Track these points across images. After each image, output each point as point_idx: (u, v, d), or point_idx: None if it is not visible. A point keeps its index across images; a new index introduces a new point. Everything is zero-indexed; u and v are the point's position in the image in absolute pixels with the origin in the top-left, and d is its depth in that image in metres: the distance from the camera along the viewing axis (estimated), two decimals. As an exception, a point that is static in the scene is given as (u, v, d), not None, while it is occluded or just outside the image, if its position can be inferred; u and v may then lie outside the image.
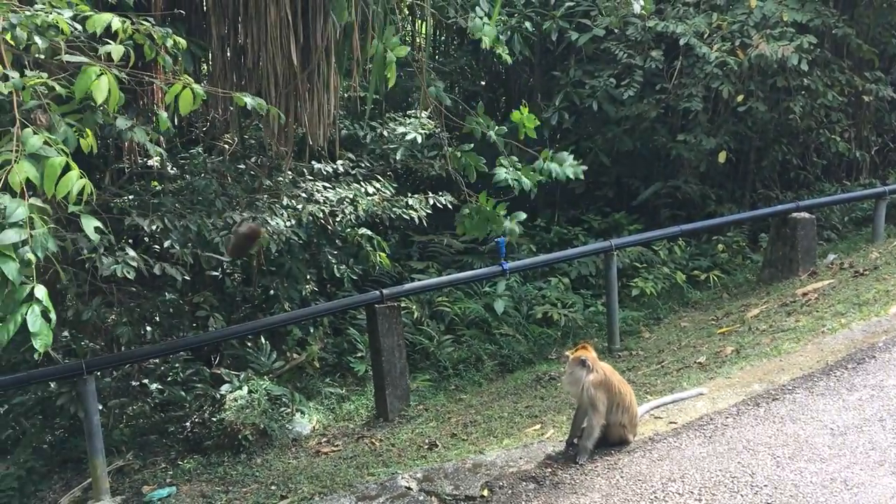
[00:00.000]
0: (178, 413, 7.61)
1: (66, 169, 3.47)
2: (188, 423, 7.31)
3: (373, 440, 6.78)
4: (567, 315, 9.56)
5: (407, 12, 12.83)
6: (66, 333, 7.33)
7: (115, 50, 3.92)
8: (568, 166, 6.55)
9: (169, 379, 7.83)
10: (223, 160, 8.71)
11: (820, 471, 4.22)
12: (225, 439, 6.95)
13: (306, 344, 8.72)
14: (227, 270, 8.47)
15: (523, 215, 7.00)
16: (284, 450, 6.91)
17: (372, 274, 9.70)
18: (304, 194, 8.56)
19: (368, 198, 8.88)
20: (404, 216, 9.06)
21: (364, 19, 6.40)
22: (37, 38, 3.96)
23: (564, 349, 5.81)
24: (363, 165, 9.61)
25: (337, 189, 8.82)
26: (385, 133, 9.79)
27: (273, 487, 6.01)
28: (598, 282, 10.56)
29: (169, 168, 8.22)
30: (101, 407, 6.72)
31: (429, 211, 9.21)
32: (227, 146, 9.12)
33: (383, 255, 9.03)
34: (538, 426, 6.19)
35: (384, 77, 6.35)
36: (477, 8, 6.78)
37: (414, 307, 9.39)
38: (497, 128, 6.87)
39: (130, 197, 7.53)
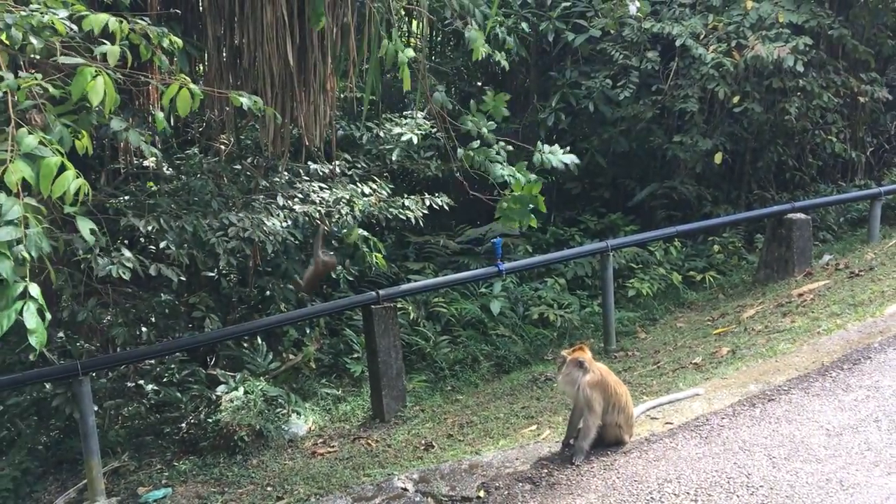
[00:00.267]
0: (174, 414, 7.59)
1: (62, 169, 3.47)
2: (184, 424, 7.29)
3: (369, 441, 6.77)
4: (563, 316, 9.56)
5: (403, 13, 12.85)
6: (61, 334, 7.31)
7: (111, 51, 3.91)
8: (561, 155, 6.64)
9: (164, 380, 7.81)
10: (219, 161, 8.69)
11: (816, 471, 4.23)
12: (221, 440, 6.93)
13: (302, 345, 8.71)
14: (223, 271, 8.46)
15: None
16: (280, 451, 6.90)
17: (368, 275, 9.69)
18: (300, 195, 8.55)
19: (364, 198, 8.87)
20: (400, 217, 9.05)
21: (361, 20, 6.40)
22: (32, 39, 3.95)
23: (561, 350, 5.82)
24: (359, 166, 9.61)
25: (333, 189, 8.81)
26: (381, 134, 9.78)
27: (269, 489, 6.00)
28: (595, 282, 10.56)
29: (165, 169, 8.20)
30: (96, 408, 6.70)
31: (425, 212, 9.20)
32: (223, 147, 9.11)
33: (379, 255, 9.03)
34: (534, 427, 6.19)
35: (380, 77, 6.35)
36: (472, 21, 6.76)
37: (410, 308, 9.39)
38: (488, 122, 6.89)
39: (126, 197, 7.52)
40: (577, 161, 7.00)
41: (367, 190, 9.03)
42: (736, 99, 11.23)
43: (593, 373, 4.77)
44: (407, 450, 6.38)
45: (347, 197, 8.76)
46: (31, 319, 3.29)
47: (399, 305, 8.67)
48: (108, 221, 6.82)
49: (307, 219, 8.33)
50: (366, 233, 9.01)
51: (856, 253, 9.95)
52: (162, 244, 7.19)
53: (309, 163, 9.01)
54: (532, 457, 4.90)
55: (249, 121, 8.59)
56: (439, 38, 13.53)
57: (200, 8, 7.15)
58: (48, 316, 3.35)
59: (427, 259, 10.95)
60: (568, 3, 12.12)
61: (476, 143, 7.13)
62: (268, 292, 8.65)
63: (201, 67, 7.82)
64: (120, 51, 4.00)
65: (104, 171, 7.88)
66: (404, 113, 10.24)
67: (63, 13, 4.11)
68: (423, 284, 8.40)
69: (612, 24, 11.51)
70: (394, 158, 9.49)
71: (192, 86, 4.15)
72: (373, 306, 7.26)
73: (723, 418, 5.06)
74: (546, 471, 4.66)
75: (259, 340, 8.38)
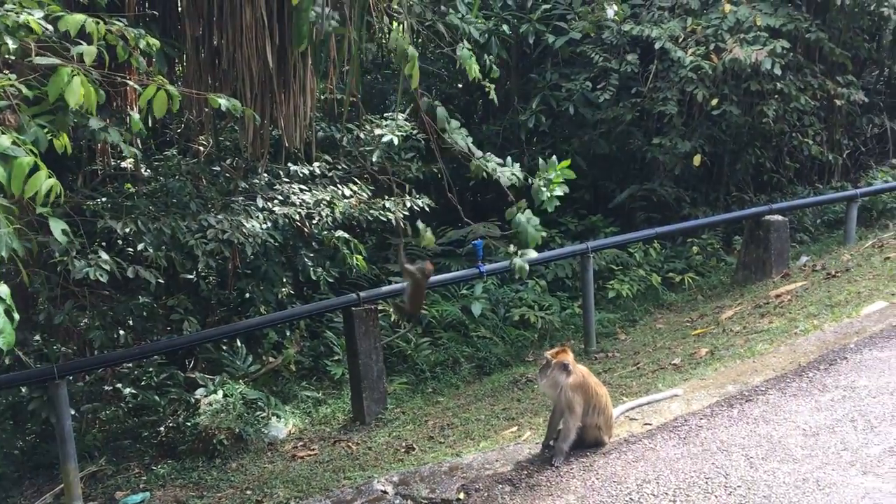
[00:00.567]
0: (152, 418, 7.53)
1: (35, 169, 3.42)
2: (162, 428, 7.24)
3: (349, 444, 6.75)
4: (544, 317, 9.58)
5: (385, 16, 12.82)
6: (37, 337, 7.24)
7: (88, 52, 3.87)
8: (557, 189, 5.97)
9: (143, 383, 7.75)
10: (198, 162, 8.65)
11: (793, 471, 4.26)
12: (199, 444, 6.89)
13: (282, 347, 8.67)
14: (202, 273, 8.41)
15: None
16: (260, 454, 6.86)
17: (349, 277, 9.67)
18: (280, 197, 8.51)
19: (345, 200, 8.85)
20: (381, 218, 9.04)
21: (341, 21, 6.38)
22: (7, 39, 3.90)
23: (542, 351, 5.83)
24: (340, 168, 9.58)
25: (313, 191, 8.79)
26: (362, 135, 9.76)
27: (248, 492, 5.96)
28: (575, 284, 10.60)
29: (143, 170, 8.15)
30: (73, 412, 6.64)
31: (405, 213, 9.19)
32: (201, 148, 9.06)
33: (360, 257, 9.01)
34: (515, 428, 6.20)
35: (360, 79, 6.32)
36: (464, 41, 6.70)
37: (391, 310, 9.37)
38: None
39: (103, 199, 7.46)
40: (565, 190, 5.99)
41: (347, 192, 9.01)
42: (714, 101, 11.32)
43: (575, 375, 4.78)
44: (387, 452, 6.36)
45: (328, 199, 8.74)
46: (-3, 320, 3.24)
47: (380, 307, 8.65)
48: (85, 223, 6.76)
49: (287, 220, 8.30)
50: (346, 234, 8.99)
51: (832, 254, 10.05)
52: (140, 246, 7.14)
53: (289, 164, 8.97)
54: (512, 458, 4.90)
55: (229, 122, 8.55)
56: (420, 41, 13.52)
57: (179, 8, 7.11)
58: (16, 317, 3.29)
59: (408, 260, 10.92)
60: (548, 6, 12.16)
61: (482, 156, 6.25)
62: (247, 294, 8.61)
63: (180, 68, 7.78)
64: (97, 51, 3.96)
65: (81, 173, 7.82)
66: (385, 115, 10.23)
67: (39, 13, 4.06)
68: (404, 286, 8.38)
69: (591, 27, 11.57)
70: (374, 159, 9.48)
71: (169, 87, 4.12)
72: (353, 308, 7.24)
73: (701, 419, 5.09)
74: (526, 472, 4.66)
75: (238, 343, 8.33)
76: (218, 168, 8.74)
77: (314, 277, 9.01)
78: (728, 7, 11.42)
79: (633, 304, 10.16)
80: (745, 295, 9.20)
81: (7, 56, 4.04)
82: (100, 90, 3.91)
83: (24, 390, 6.99)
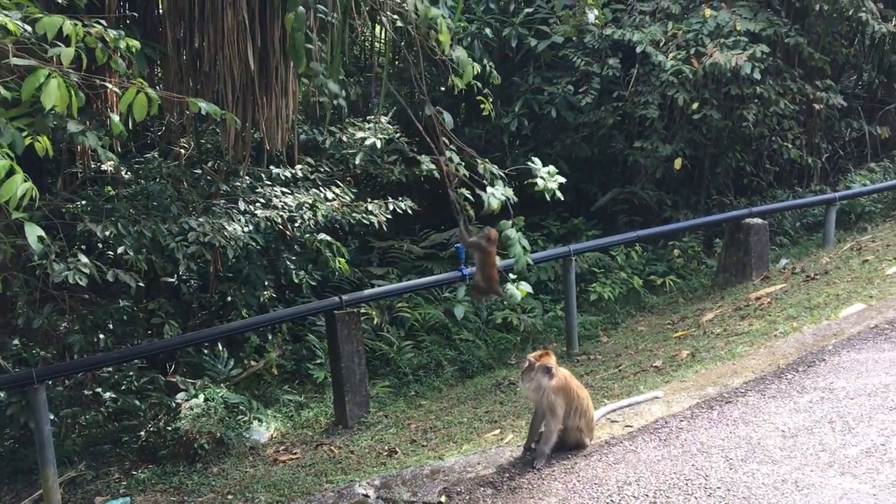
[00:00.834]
0: (133, 422, 7.48)
1: (11, 173, 3.39)
2: (142, 433, 7.18)
3: (332, 447, 6.73)
4: (526, 320, 9.61)
5: (367, 18, 12.81)
6: (16, 341, 7.18)
7: (65, 53, 3.84)
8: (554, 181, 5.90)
9: (123, 387, 7.69)
10: (179, 165, 8.60)
11: (772, 472, 4.29)
12: (180, 448, 6.85)
13: (264, 351, 8.64)
14: (183, 277, 8.36)
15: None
16: (241, 458, 6.83)
17: (331, 280, 9.64)
18: (262, 199, 8.49)
19: (328, 203, 8.83)
20: (364, 222, 9.03)
21: (322, 23, 6.38)
22: (-16, 40, 3.87)
23: (524, 354, 5.84)
24: (322, 170, 9.56)
25: (295, 194, 8.76)
26: (344, 138, 9.75)
27: (230, 497, 5.93)
28: (557, 287, 10.63)
29: (123, 173, 8.09)
30: (52, 416, 6.58)
31: (388, 216, 9.19)
32: (183, 151, 9.02)
33: (343, 260, 8.99)
34: (497, 431, 6.20)
35: (343, 82, 6.31)
36: (458, 48, 6.65)
37: (374, 313, 9.37)
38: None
39: (83, 202, 7.40)
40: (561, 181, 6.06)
41: (330, 195, 9.00)
42: (695, 105, 11.40)
43: (557, 377, 4.79)
44: (370, 456, 6.35)
45: (310, 202, 8.72)
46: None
47: (362, 311, 8.65)
48: (64, 226, 6.71)
49: (269, 223, 8.27)
50: (329, 238, 8.97)
51: (811, 257, 10.15)
52: (120, 249, 7.09)
53: (271, 167, 8.95)
54: (494, 461, 4.90)
55: (210, 125, 8.52)
56: (403, 43, 13.53)
57: (160, 10, 7.07)
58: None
59: (391, 264, 10.93)
60: (530, 10, 12.21)
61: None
62: (229, 298, 8.57)
63: (161, 70, 7.74)
64: (75, 53, 3.93)
65: (61, 176, 7.77)
66: (367, 117, 10.22)
67: (16, 14, 4.03)
68: (386, 289, 8.39)
69: (572, 31, 11.62)
70: (357, 162, 9.47)
71: (149, 90, 4.09)
72: (336, 312, 7.22)
73: (681, 421, 5.12)
74: (508, 475, 4.66)
75: (220, 347, 8.29)
76: (199, 171, 8.70)
77: (296, 280, 8.99)
78: (708, 12, 11.52)
79: (615, 306, 10.21)
80: (726, 297, 9.26)
81: (-16, 58, 4.01)
82: (80, 93, 3.88)
83: (2, 395, 6.91)
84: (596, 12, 9.58)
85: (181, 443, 6.85)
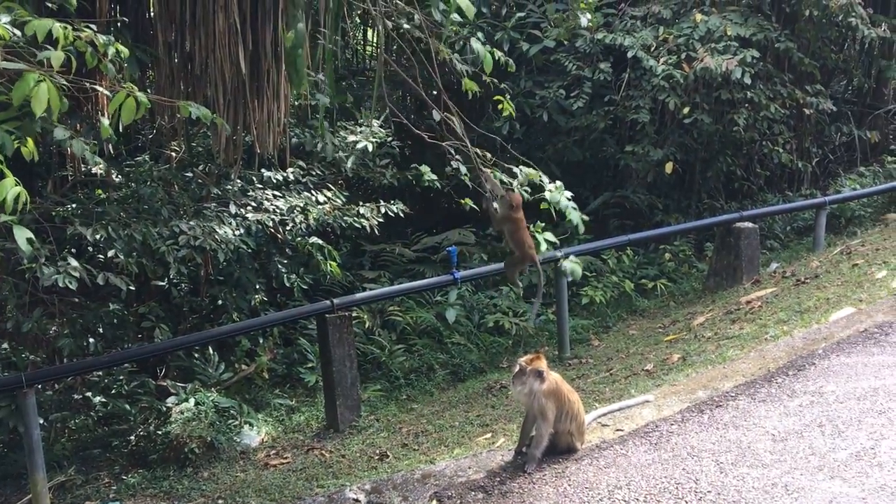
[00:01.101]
0: (123, 426, 7.45)
1: (1, 176, 3.38)
2: (133, 437, 7.16)
3: (323, 452, 6.72)
4: (518, 324, 9.61)
5: (359, 21, 12.81)
6: (5, 345, 7.15)
7: (55, 56, 3.83)
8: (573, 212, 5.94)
9: (113, 391, 7.66)
10: (170, 168, 8.58)
11: (762, 476, 4.31)
12: (171, 453, 6.82)
13: (255, 355, 8.61)
14: (174, 280, 8.33)
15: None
16: (232, 463, 6.81)
17: (323, 283, 9.63)
18: (253, 203, 8.47)
19: (319, 206, 8.82)
20: (356, 225, 9.02)
21: (315, 27, 6.38)
22: (-27, 44, 3.85)
23: (516, 358, 5.83)
24: (314, 174, 9.55)
25: (287, 197, 8.75)
26: (336, 142, 9.74)
27: (220, 501, 5.92)
28: (549, 290, 10.62)
29: (114, 176, 8.07)
30: (42, 421, 6.55)
31: (380, 220, 9.18)
32: (174, 154, 8.99)
33: (334, 264, 8.98)
34: (489, 435, 6.20)
35: (335, 85, 6.31)
36: (473, 40, 6.63)
37: (365, 316, 9.35)
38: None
39: (73, 205, 7.38)
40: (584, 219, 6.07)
41: (321, 198, 8.98)
42: (686, 110, 11.44)
43: (548, 381, 4.80)
44: (361, 460, 6.34)
45: (302, 205, 8.71)
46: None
47: (354, 314, 8.63)
48: (54, 230, 6.69)
49: (260, 227, 8.26)
50: (320, 241, 8.96)
51: (802, 261, 10.19)
52: (110, 253, 7.07)
53: (262, 170, 8.93)
54: (485, 465, 4.91)
55: (201, 128, 8.50)
56: (395, 47, 13.55)
57: (151, 14, 7.07)
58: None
59: (382, 267, 10.92)
60: (522, 14, 12.23)
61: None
62: (220, 301, 8.55)
63: (152, 73, 7.73)
64: (64, 56, 3.92)
65: (51, 179, 7.74)
66: (359, 121, 10.22)
67: (5, 18, 4.02)
68: (378, 293, 8.38)
69: (565, 34, 11.65)
70: (349, 166, 9.46)
71: (138, 94, 4.08)
72: (327, 315, 7.21)
73: (672, 425, 5.13)
74: (499, 479, 4.67)
75: (211, 351, 8.27)
76: (190, 174, 8.67)
77: (288, 284, 8.97)
78: (699, 17, 11.56)
79: (606, 310, 10.22)
80: (717, 301, 9.29)
81: (-27, 61, 3.99)
82: (64, 99, 3.86)
83: (-10, 399, 6.88)
84: (589, 16, 9.61)
85: (171, 447, 6.82)
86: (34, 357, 7.21)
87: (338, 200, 9.14)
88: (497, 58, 6.64)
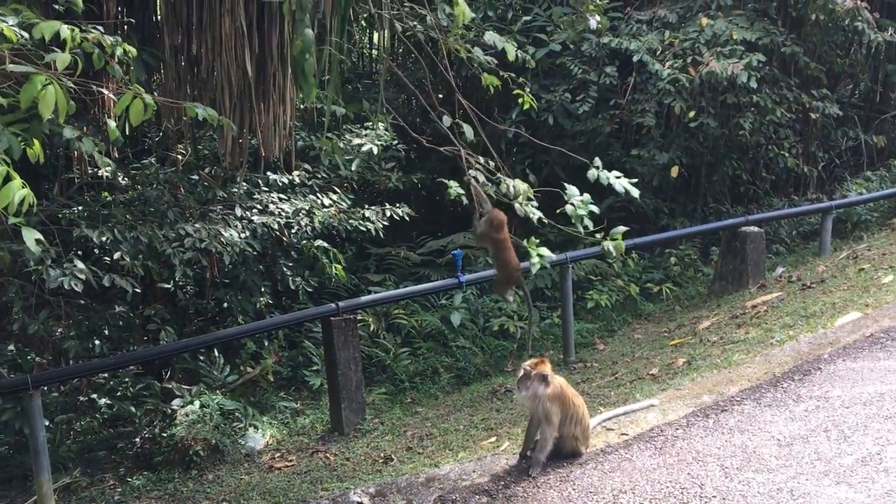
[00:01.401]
0: (128, 428, 7.46)
1: (7, 179, 3.39)
2: (138, 439, 7.17)
3: (327, 455, 6.71)
4: (523, 327, 9.60)
5: (364, 24, 12.84)
6: (11, 347, 7.16)
7: (61, 58, 3.84)
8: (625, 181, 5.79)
9: (118, 394, 7.67)
10: (176, 171, 8.61)
11: (767, 481, 4.29)
12: (176, 455, 6.83)
13: (260, 357, 8.63)
14: (180, 283, 8.35)
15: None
16: (237, 465, 6.81)
17: (328, 286, 9.64)
18: (259, 206, 8.49)
19: (324, 209, 8.84)
20: (361, 228, 9.03)
21: (321, 30, 6.39)
22: (-20, 46, 3.87)
23: (521, 361, 5.81)
24: (319, 177, 9.57)
25: (292, 200, 8.77)
26: (341, 144, 9.76)
27: (224, 504, 5.92)
28: (554, 294, 10.63)
29: (120, 178, 8.10)
30: (47, 423, 6.55)
31: (386, 223, 9.19)
32: (180, 156, 9.02)
33: (339, 267, 8.99)
34: (494, 439, 6.20)
35: (340, 88, 6.32)
36: (489, 34, 6.61)
37: (370, 320, 9.35)
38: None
39: (80, 208, 7.41)
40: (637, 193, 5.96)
41: (327, 201, 9.00)
42: (692, 114, 11.43)
43: (553, 385, 4.79)
44: (365, 463, 6.34)
45: (307, 208, 8.72)
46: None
47: (359, 317, 8.64)
48: (60, 232, 6.71)
49: (266, 230, 8.27)
50: (326, 244, 8.97)
51: (808, 265, 10.16)
52: (116, 255, 7.09)
53: (268, 173, 8.95)
54: (489, 469, 4.90)
55: (207, 131, 8.52)
56: (401, 50, 13.57)
57: (158, 17, 7.09)
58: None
59: (388, 270, 10.93)
60: (528, 18, 12.24)
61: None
62: (225, 304, 8.56)
63: (159, 76, 7.76)
64: (71, 58, 3.94)
65: (57, 181, 7.77)
66: (365, 124, 10.24)
67: (13, 20, 4.03)
68: (383, 296, 8.38)
69: (575, 36, 11.65)
70: (353, 168, 9.47)
71: (145, 96, 4.10)
72: (332, 318, 7.21)
73: (677, 429, 5.12)
74: (503, 483, 4.66)
75: (216, 353, 8.28)
76: (196, 177, 8.70)
77: (293, 287, 8.98)
78: (705, 21, 11.55)
79: (611, 314, 10.21)
80: (722, 305, 9.27)
81: (-19, 64, 4.01)
82: (70, 101, 3.88)
83: (-4, 401, 6.90)
84: (598, 18, 9.61)
85: (176, 449, 6.83)
86: (40, 359, 7.24)
87: (343, 203, 9.15)
88: (516, 54, 6.60)
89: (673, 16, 11.99)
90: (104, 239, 6.87)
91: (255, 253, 8.45)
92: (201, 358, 8.22)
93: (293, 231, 8.70)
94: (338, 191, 9.36)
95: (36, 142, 4.02)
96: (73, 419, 7.46)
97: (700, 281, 11.06)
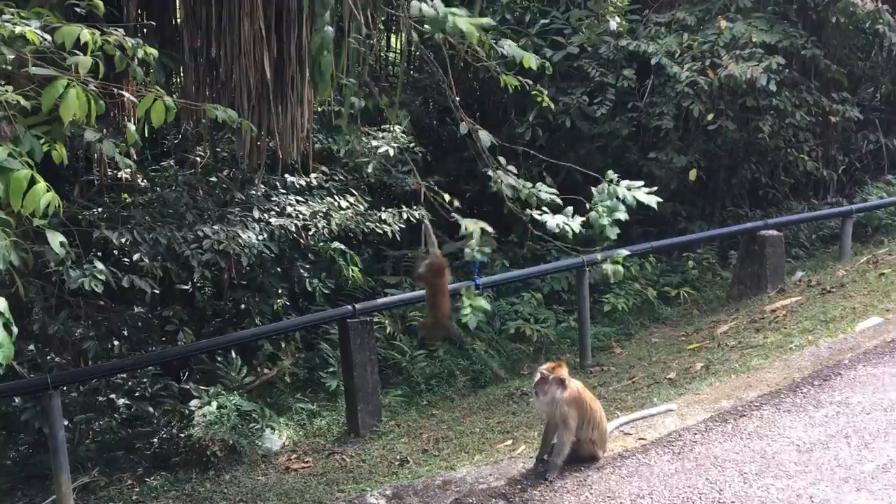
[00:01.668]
0: (146, 429, 7.50)
1: (32, 182, 3.43)
2: (156, 439, 7.21)
3: (343, 456, 6.73)
4: (540, 330, 9.57)
5: (382, 27, 12.86)
6: (31, 347, 7.22)
7: (83, 62, 3.87)
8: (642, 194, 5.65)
9: (137, 394, 7.72)
10: (194, 173, 8.66)
11: (786, 487, 4.26)
12: (193, 455, 6.86)
13: (277, 359, 8.65)
14: (198, 284, 8.40)
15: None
16: (254, 466, 6.84)
17: (345, 288, 9.65)
18: (276, 208, 8.52)
19: (342, 212, 8.86)
20: (378, 230, 9.04)
21: (339, 34, 6.41)
22: (4, 50, 3.91)
23: (537, 365, 5.80)
24: (337, 179, 9.59)
25: (310, 203, 8.79)
26: (358, 147, 9.78)
27: (241, 504, 5.94)
28: (571, 297, 10.59)
29: (139, 180, 8.16)
30: (66, 422, 6.61)
31: (402, 225, 9.20)
32: (198, 159, 9.08)
33: (356, 269, 9.00)
34: (510, 442, 6.18)
35: (358, 91, 6.33)
36: (506, 43, 6.59)
37: (386, 322, 9.36)
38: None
39: (100, 209, 7.47)
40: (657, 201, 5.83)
41: (344, 203, 9.02)
42: (710, 117, 11.36)
43: (570, 389, 4.77)
44: (381, 465, 6.34)
45: (324, 210, 8.75)
46: (-4, 333, 3.23)
47: (375, 319, 8.64)
48: (80, 233, 6.76)
49: (283, 232, 8.30)
50: (342, 246, 8.98)
51: (827, 270, 10.07)
52: (135, 256, 7.14)
53: (286, 175, 8.98)
54: (506, 473, 4.88)
55: (226, 133, 8.57)
56: (417, 53, 13.59)
57: (177, 20, 7.14)
58: (15, 330, 3.29)
59: (404, 273, 10.92)
60: (546, 21, 12.23)
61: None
62: (243, 305, 8.60)
63: (178, 79, 7.81)
64: (92, 61, 3.97)
65: (78, 183, 7.83)
66: (382, 126, 10.25)
67: (36, 24, 4.07)
68: (399, 298, 8.38)
69: (596, 38, 11.62)
70: (369, 171, 9.48)
71: (166, 98, 4.12)
72: (349, 320, 7.22)
73: (695, 434, 5.08)
74: (520, 487, 4.64)
75: (233, 354, 8.30)
76: (215, 179, 8.75)
77: (310, 289, 9.00)
78: (724, 23, 11.48)
79: (628, 317, 10.16)
80: (741, 310, 9.21)
81: (4, 66, 4.05)
82: (100, 101, 3.91)
83: (17, 400, 6.96)
84: (618, 19, 9.57)
85: (194, 450, 6.86)
86: (60, 359, 7.30)
87: (360, 206, 9.17)
88: (537, 62, 6.56)
89: (691, 18, 11.93)
90: (124, 240, 6.93)
91: (272, 255, 8.48)
92: (219, 359, 8.25)
93: (310, 233, 8.73)
94: (355, 193, 9.37)
95: (59, 144, 4.05)
96: (92, 419, 7.50)
97: (718, 285, 10.99)
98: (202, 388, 7.61)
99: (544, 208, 5.56)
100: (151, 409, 7.53)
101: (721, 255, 11.89)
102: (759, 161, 12.35)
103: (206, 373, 8.22)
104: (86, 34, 3.97)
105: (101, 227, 6.95)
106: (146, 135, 8.18)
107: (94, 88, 3.94)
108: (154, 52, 4.52)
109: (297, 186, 9.05)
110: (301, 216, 8.57)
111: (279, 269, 9.00)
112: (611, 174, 5.71)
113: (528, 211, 5.48)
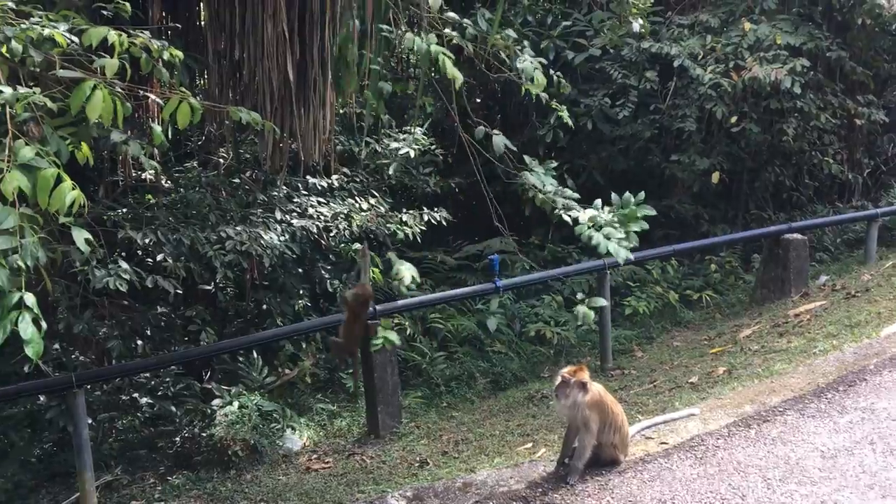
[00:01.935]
0: (168, 428, 7.56)
1: (59, 181, 3.47)
2: (178, 438, 7.26)
3: (363, 457, 6.74)
4: (560, 333, 9.54)
5: (404, 29, 12.89)
6: (56, 346, 7.30)
7: (109, 64, 3.92)
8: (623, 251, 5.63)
9: (159, 393, 7.78)
10: (217, 174, 8.72)
11: (810, 493, 4.21)
12: (215, 455, 6.90)
13: (298, 359, 8.68)
14: (220, 284, 8.45)
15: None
16: (274, 466, 6.87)
17: (365, 290, 9.66)
18: (298, 209, 8.57)
19: (363, 213, 8.89)
20: (399, 232, 9.06)
21: (361, 37, 6.43)
22: (32, 52, 3.96)
23: (558, 368, 5.77)
24: (358, 181, 9.63)
25: (331, 204, 8.83)
26: (379, 149, 9.81)
27: (262, 504, 5.97)
28: (590, 300, 10.53)
29: (163, 181, 8.23)
30: (90, 421, 6.67)
31: (423, 227, 9.21)
32: (221, 160, 9.14)
33: (377, 270, 9.02)
34: (530, 445, 6.17)
35: (379, 94, 6.36)
36: (522, 58, 6.58)
37: (407, 323, 9.37)
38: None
39: (124, 210, 7.54)
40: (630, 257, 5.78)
41: (365, 205, 9.05)
42: (733, 119, 11.28)
43: (592, 393, 4.75)
44: (401, 466, 6.35)
45: (346, 212, 8.78)
46: (26, 330, 3.28)
47: (396, 321, 8.66)
48: (105, 234, 6.83)
49: (305, 233, 8.34)
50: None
51: (852, 274, 9.96)
52: (159, 257, 7.20)
53: (307, 177, 9.03)
54: (526, 476, 4.87)
55: (248, 135, 8.62)
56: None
57: (202, 22, 7.19)
58: (44, 326, 3.34)
59: (424, 275, 10.92)
60: (568, 23, 12.20)
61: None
62: (264, 306, 8.64)
63: (202, 81, 7.87)
64: (119, 63, 4.02)
65: (103, 183, 7.91)
66: (403, 128, 10.28)
67: (63, 26, 4.13)
68: (419, 300, 8.39)
69: (618, 40, 11.57)
70: (390, 172, 9.51)
71: (192, 100, 4.16)
72: (369, 322, 7.23)
73: (718, 439, 5.05)
74: (540, 490, 4.63)
75: (255, 354, 8.35)
76: (237, 180, 8.80)
77: (331, 290, 9.04)
78: (748, 25, 11.40)
79: (650, 321, 10.11)
80: (764, 314, 9.12)
81: (32, 68, 4.11)
82: (126, 104, 3.96)
83: (42, 398, 7.04)
84: (641, 21, 9.53)
85: (216, 449, 6.91)
86: (84, 358, 7.36)
87: (381, 207, 9.19)
88: (549, 75, 6.57)
89: (715, 20, 11.86)
90: (147, 241, 6.99)
91: (294, 256, 8.52)
92: (241, 359, 8.30)
93: (332, 234, 8.76)
94: (376, 195, 9.40)
95: (84, 145, 4.10)
96: (115, 418, 7.57)
97: (741, 289, 10.90)
98: (224, 387, 7.66)
99: (571, 202, 5.54)
100: (174, 409, 7.59)
101: (744, 258, 11.81)
102: (783, 164, 12.24)
103: (228, 373, 8.28)
104: (113, 36, 4.02)
105: (126, 228, 7.01)
106: (170, 136, 8.26)
107: (120, 90, 3.99)
108: (179, 54, 4.56)
109: (319, 188, 9.09)
110: (323, 217, 8.61)
111: (301, 270, 9.05)
112: (598, 203, 5.65)
113: (556, 211, 5.48)
